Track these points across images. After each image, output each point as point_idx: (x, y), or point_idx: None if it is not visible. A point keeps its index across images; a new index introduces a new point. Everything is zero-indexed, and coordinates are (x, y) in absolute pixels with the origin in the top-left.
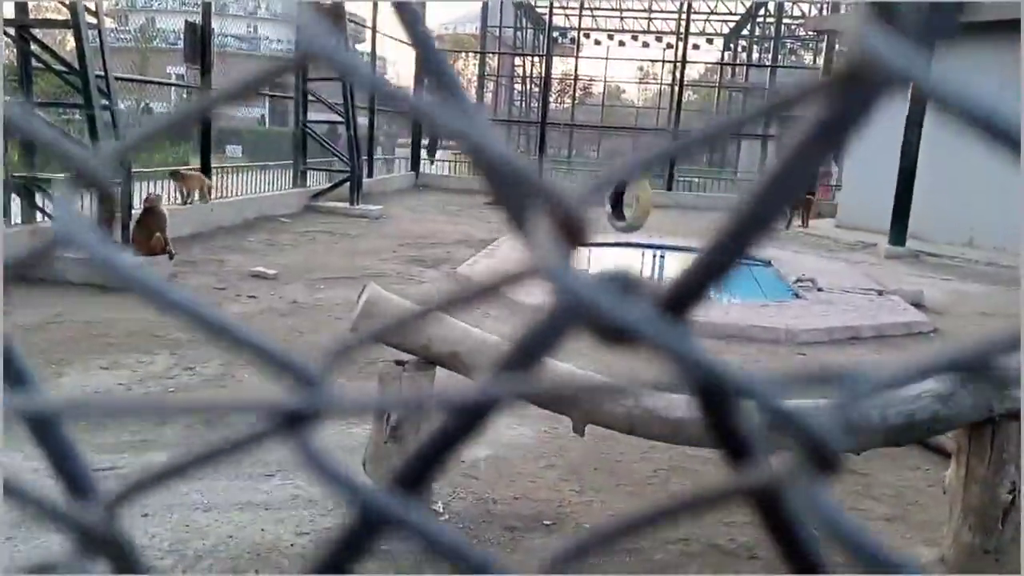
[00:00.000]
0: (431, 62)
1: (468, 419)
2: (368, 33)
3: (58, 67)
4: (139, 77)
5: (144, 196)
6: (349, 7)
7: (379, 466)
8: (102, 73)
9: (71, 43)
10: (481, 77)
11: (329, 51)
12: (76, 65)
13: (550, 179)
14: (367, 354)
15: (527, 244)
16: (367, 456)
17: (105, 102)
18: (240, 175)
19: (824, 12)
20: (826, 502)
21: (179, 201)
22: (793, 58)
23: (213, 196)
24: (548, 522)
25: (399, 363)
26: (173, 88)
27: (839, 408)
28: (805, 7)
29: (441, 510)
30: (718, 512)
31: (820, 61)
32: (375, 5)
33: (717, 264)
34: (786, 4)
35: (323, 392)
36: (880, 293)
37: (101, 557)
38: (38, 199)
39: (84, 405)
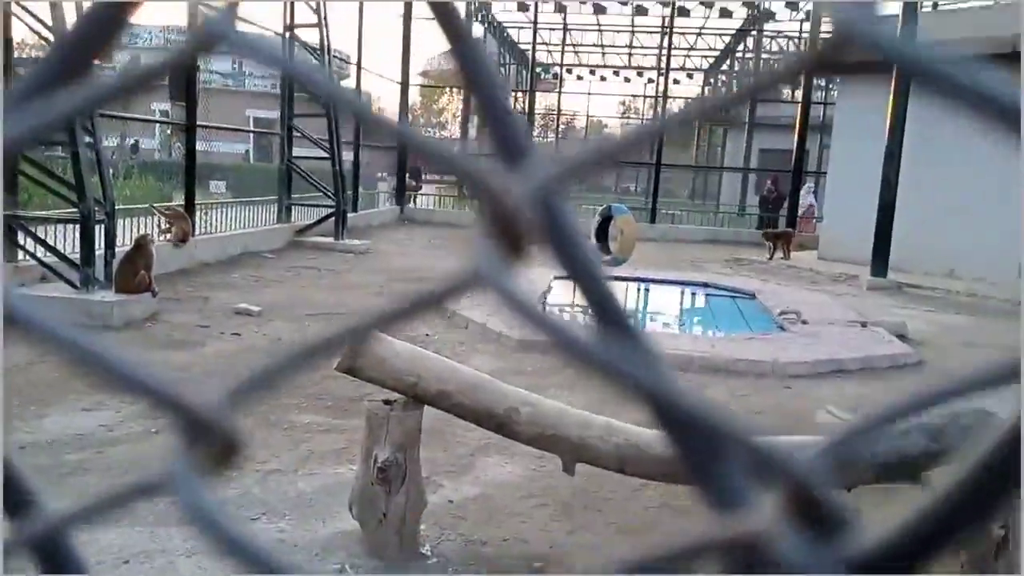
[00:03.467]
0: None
1: None
2: (352, 69)
3: None
4: (123, 114)
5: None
6: (334, 44)
7: (365, 508)
8: None
9: None
10: (465, 113)
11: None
12: None
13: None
14: (355, 391)
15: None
16: (353, 498)
17: (89, 139)
18: (224, 211)
19: (802, 47)
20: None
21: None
22: (772, 91)
23: (197, 233)
24: (538, 564)
25: (387, 403)
26: (157, 124)
27: (829, 448)
28: (783, 42)
29: (429, 553)
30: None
31: (799, 94)
32: (359, 42)
33: None
34: (764, 39)
35: None
36: (864, 325)
37: None
38: (19, 237)
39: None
